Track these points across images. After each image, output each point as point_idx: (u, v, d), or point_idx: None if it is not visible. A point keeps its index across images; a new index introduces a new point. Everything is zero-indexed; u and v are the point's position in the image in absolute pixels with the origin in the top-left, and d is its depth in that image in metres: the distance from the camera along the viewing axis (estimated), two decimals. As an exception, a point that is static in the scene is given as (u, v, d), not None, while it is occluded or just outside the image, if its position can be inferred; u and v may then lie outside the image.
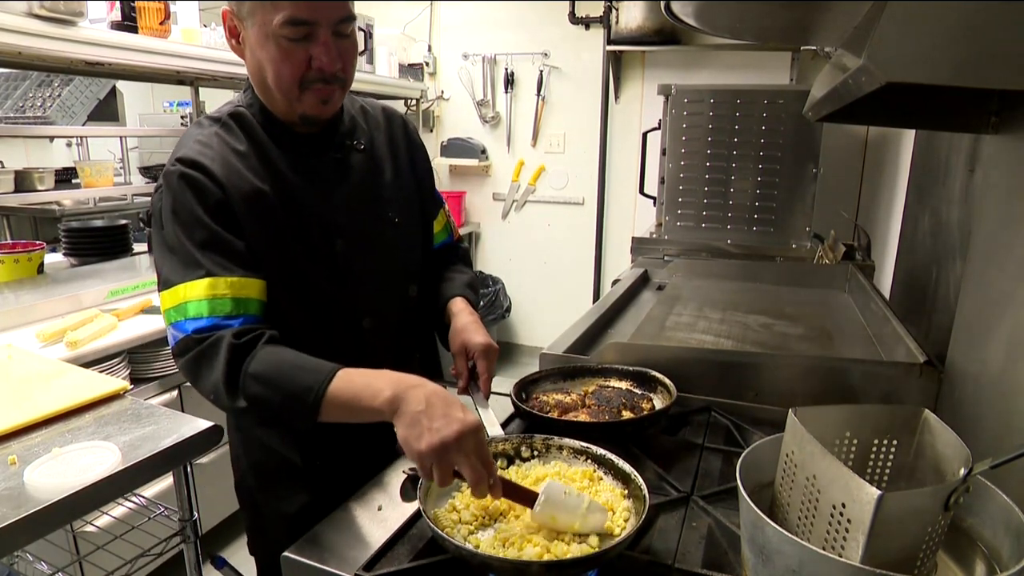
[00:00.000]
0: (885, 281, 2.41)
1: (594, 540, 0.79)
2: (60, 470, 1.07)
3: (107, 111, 3.94)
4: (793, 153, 2.57)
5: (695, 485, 0.95)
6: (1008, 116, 1.00)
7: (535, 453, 0.97)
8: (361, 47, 2.90)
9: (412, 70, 4.09)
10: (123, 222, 2.91)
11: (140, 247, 2.90)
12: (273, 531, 1.17)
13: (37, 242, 2.54)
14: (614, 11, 3.63)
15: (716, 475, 1.00)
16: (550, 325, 3.65)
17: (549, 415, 1.11)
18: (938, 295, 1.55)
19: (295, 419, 0.91)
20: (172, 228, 0.99)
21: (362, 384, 0.88)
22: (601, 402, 1.14)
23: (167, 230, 1.00)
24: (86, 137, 4.30)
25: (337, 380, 0.89)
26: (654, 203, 2.86)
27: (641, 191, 3.19)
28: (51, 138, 4.42)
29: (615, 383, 1.25)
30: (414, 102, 4.20)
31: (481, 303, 3.65)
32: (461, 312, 1.16)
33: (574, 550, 0.77)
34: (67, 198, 3.47)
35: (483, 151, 4.20)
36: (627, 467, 0.88)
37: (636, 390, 1.23)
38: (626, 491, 0.87)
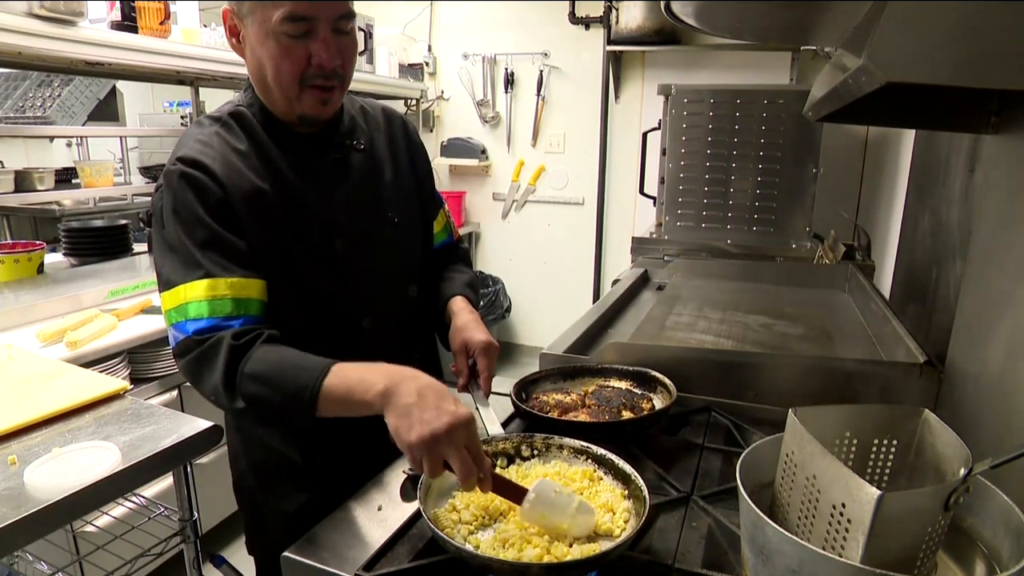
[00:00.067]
0: (885, 281, 2.41)
1: (594, 541, 0.79)
2: (60, 470, 1.07)
3: (107, 111, 3.94)
4: (793, 153, 2.57)
5: (695, 485, 0.95)
6: (1008, 116, 1.00)
7: (535, 452, 0.97)
8: (361, 47, 2.91)
9: (412, 70, 4.09)
10: (123, 222, 2.91)
11: (140, 247, 2.90)
12: (272, 531, 1.17)
13: (37, 242, 2.54)
14: (614, 11, 3.63)
15: (716, 475, 1.00)
16: (550, 325, 3.65)
17: (549, 415, 1.11)
18: (938, 295, 1.55)
19: (294, 417, 0.92)
20: (173, 228, 0.99)
21: (356, 378, 0.89)
22: (601, 402, 1.14)
23: (168, 230, 1.00)
24: (86, 137, 4.30)
25: (332, 375, 0.90)
26: (654, 203, 2.86)
27: (641, 191, 3.19)
28: (51, 138, 4.42)
29: (615, 383, 1.25)
30: (414, 102, 4.20)
31: (481, 303, 3.65)
32: (461, 311, 1.16)
33: (574, 551, 0.77)
34: (67, 198, 3.47)
35: (483, 151, 4.20)
36: (627, 467, 0.88)
37: (636, 390, 1.23)
38: (626, 491, 0.87)
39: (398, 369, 0.88)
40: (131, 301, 2.24)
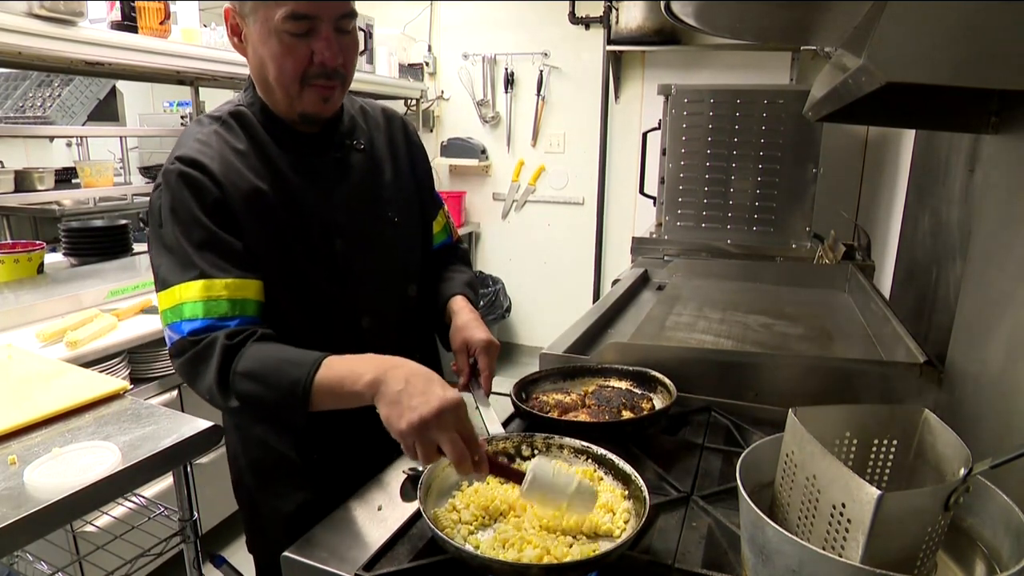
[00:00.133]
0: (885, 281, 2.41)
1: (594, 542, 0.79)
2: (60, 470, 1.07)
3: (107, 111, 3.94)
4: (793, 153, 2.57)
5: (695, 485, 0.95)
6: (1008, 116, 1.00)
7: (535, 452, 0.96)
8: (361, 47, 2.90)
9: (412, 70, 4.09)
10: (123, 222, 2.91)
11: (140, 247, 2.90)
12: (271, 530, 1.17)
13: (37, 242, 2.54)
14: (614, 11, 3.63)
15: (716, 475, 1.00)
16: (550, 325, 3.65)
17: (549, 415, 1.11)
18: (938, 295, 1.55)
19: (288, 413, 0.92)
20: (170, 227, 0.99)
21: (346, 369, 0.89)
22: (601, 402, 1.14)
23: (165, 229, 1.00)
24: (86, 137, 4.30)
25: (323, 369, 0.90)
26: (654, 203, 2.86)
27: (641, 191, 3.19)
28: (51, 138, 4.42)
29: (615, 383, 1.25)
30: (414, 102, 4.20)
31: (481, 303, 3.65)
32: (462, 310, 1.16)
33: (574, 552, 0.77)
34: (67, 198, 3.47)
35: (483, 151, 4.20)
36: (628, 468, 0.88)
37: (636, 390, 1.23)
38: (626, 492, 0.87)
39: (386, 358, 0.89)
40: (131, 301, 2.24)
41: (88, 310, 2.12)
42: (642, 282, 2.17)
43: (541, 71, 4.02)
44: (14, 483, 1.04)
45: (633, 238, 2.69)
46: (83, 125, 3.57)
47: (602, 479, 0.91)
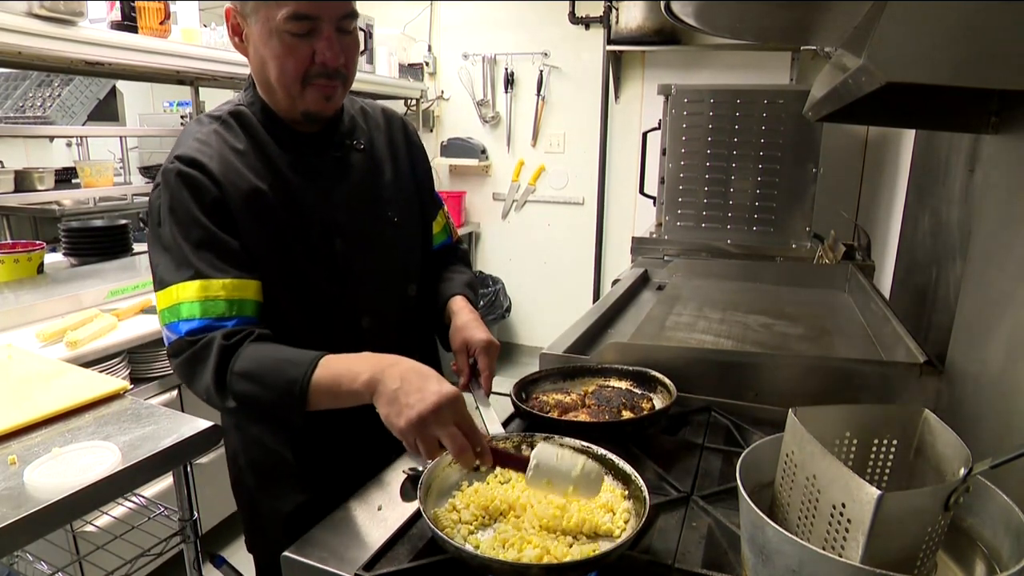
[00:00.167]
0: (885, 281, 2.41)
1: (594, 541, 0.79)
2: (60, 470, 1.07)
3: (107, 111, 3.94)
4: (793, 153, 2.57)
5: (695, 485, 0.95)
6: (1008, 116, 1.00)
7: (535, 453, 0.96)
8: (361, 47, 2.90)
9: (412, 70, 4.09)
10: (123, 222, 2.91)
11: (140, 247, 2.90)
12: (271, 530, 1.17)
13: (37, 242, 2.54)
14: (614, 11, 3.63)
15: (716, 475, 1.00)
16: (550, 325, 3.65)
17: (549, 415, 1.11)
18: (938, 295, 1.55)
19: (285, 412, 0.92)
20: (169, 227, 0.99)
21: (343, 369, 0.90)
22: (601, 402, 1.14)
23: (163, 228, 1.00)
24: (86, 137, 4.30)
25: (320, 368, 0.90)
26: (654, 203, 2.86)
27: (641, 191, 3.19)
28: (51, 138, 4.42)
29: (615, 383, 1.25)
30: (414, 102, 4.20)
31: (481, 303, 3.65)
32: (462, 310, 1.16)
33: (574, 552, 0.77)
34: (67, 198, 3.47)
35: (483, 151, 4.20)
36: (628, 468, 0.88)
37: (636, 390, 1.23)
38: (626, 491, 0.87)
39: (383, 357, 0.89)
40: (131, 301, 2.24)
41: (88, 310, 2.12)
42: (642, 282, 2.17)
43: (541, 71, 4.02)
44: (14, 483, 1.04)
45: (633, 238, 2.69)
46: (83, 125, 3.58)
47: (604, 477, 0.91)
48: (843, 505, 0.62)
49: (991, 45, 0.66)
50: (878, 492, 0.58)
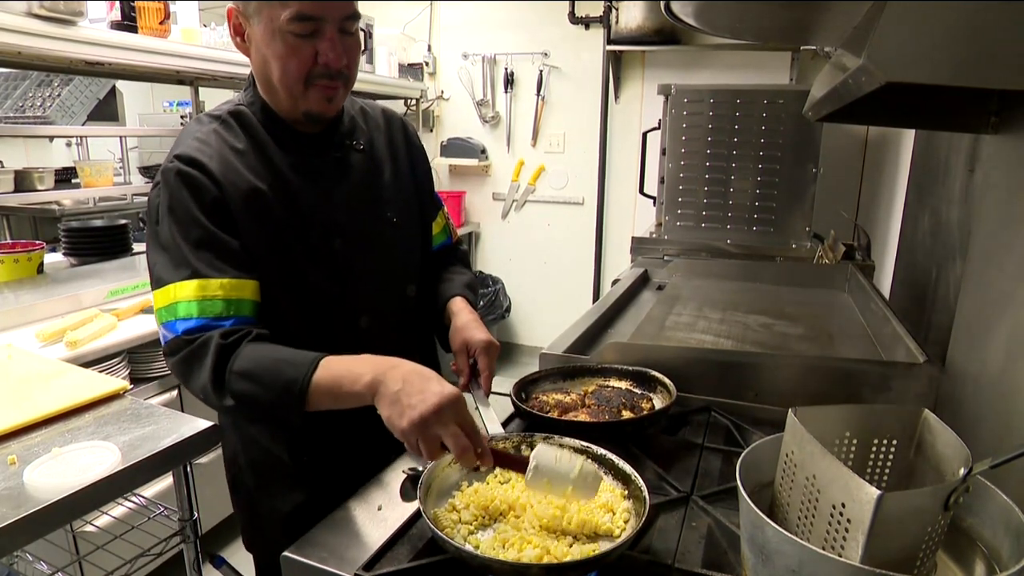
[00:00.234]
0: (885, 281, 2.41)
1: (594, 541, 0.79)
2: (60, 470, 1.07)
3: (107, 111, 3.94)
4: (793, 153, 2.57)
5: (695, 485, 0.95)
6: (1008, 116, 1.00)
7: (535, 453, 0.96)
8: (361, 47, 2.90)
9: (412, 70, 4.09)
10: (123, 222, 2.91)
11: (140, 247, 2.90)
12: (269, 530, 1.17)
13: (37, 242, 2.54)
14: (614, 11, 3.63)
15: (716, 475, 1.00)
16: (550, 325, 3.65)
17: (549, 415, 1.11)
18: (938, 295, 1.56)
19: (284, 412, 0.92)
20: (167, 226, 0.99)
21: (343, 370, 0.90)
22: (601, 402, 1.14)
23: (162, 227, 1.00)
24: (86, 137, 4.30)
25: (320, 369, 0.91)
26: (654, 203, 2.86)
27: (641, 191, 3.19)
28: (51, 138, 4.42)
29: (615, 383, 1.25)
30: (414, 102, 4.20)
31: (481, 303, 3.65)
32: (461, 311, 1.16)
33: (574, 552, 0.77)
34: (67, 198, 3.47)
35: (483, 151, 4.20)
36: (627, 468, 0.88)
37: (636, 390, 1.23)
38: (626, 492, 0.87)
39: (383, 359, 0.89)
40: (131, 301, 2.24)
41: (88, 310, 2.12)
42: (642, 282, 2.17)
43: (541, 71, 4.02)
44: (14, 483, 1.04)
45: (633, 238, 2.69)
46: (83, 125, 3.58)
47: (602, 479, 0.91)
48: (843, 505, 0.62)
49: (991, 45, 0.66)
50: (878, 492, 0.58)
